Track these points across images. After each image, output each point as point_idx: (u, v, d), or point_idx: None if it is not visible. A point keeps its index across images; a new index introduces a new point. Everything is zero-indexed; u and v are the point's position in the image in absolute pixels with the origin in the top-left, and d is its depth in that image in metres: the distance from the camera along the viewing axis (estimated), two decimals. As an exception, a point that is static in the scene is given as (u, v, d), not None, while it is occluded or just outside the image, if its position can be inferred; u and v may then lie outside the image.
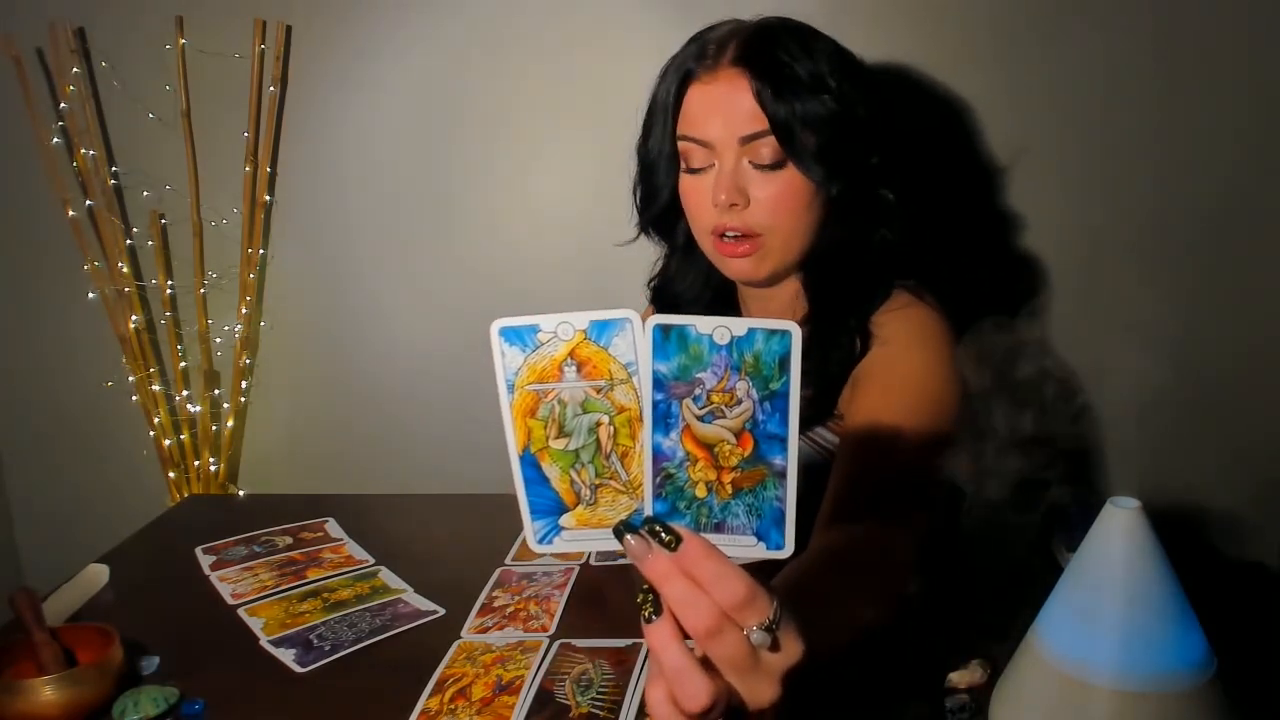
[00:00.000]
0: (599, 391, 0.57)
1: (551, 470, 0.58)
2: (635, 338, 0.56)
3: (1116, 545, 0.66)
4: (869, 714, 0.82)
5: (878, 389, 1.00)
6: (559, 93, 1.71)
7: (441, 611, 1.04)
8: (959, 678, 0.84)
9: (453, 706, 0.86)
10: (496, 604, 1.05)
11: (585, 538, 0.60)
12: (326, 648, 0.98)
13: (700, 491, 0.57)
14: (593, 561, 1.14)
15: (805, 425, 1.06)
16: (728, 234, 1.02)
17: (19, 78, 1.75)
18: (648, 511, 0.58)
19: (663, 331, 0.55)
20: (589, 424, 0.58)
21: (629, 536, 0.51)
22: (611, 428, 0.58)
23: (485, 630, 0.99)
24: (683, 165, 1.05)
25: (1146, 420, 1.66)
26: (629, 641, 0.94)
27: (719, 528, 0.58)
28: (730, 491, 0.57)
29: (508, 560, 1.16)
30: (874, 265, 1.07)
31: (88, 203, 1.81)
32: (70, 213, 1.79)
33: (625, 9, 1.66)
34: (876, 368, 1.02)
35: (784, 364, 0.55)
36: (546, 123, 1.73)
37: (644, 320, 0.55)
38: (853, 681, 0.88)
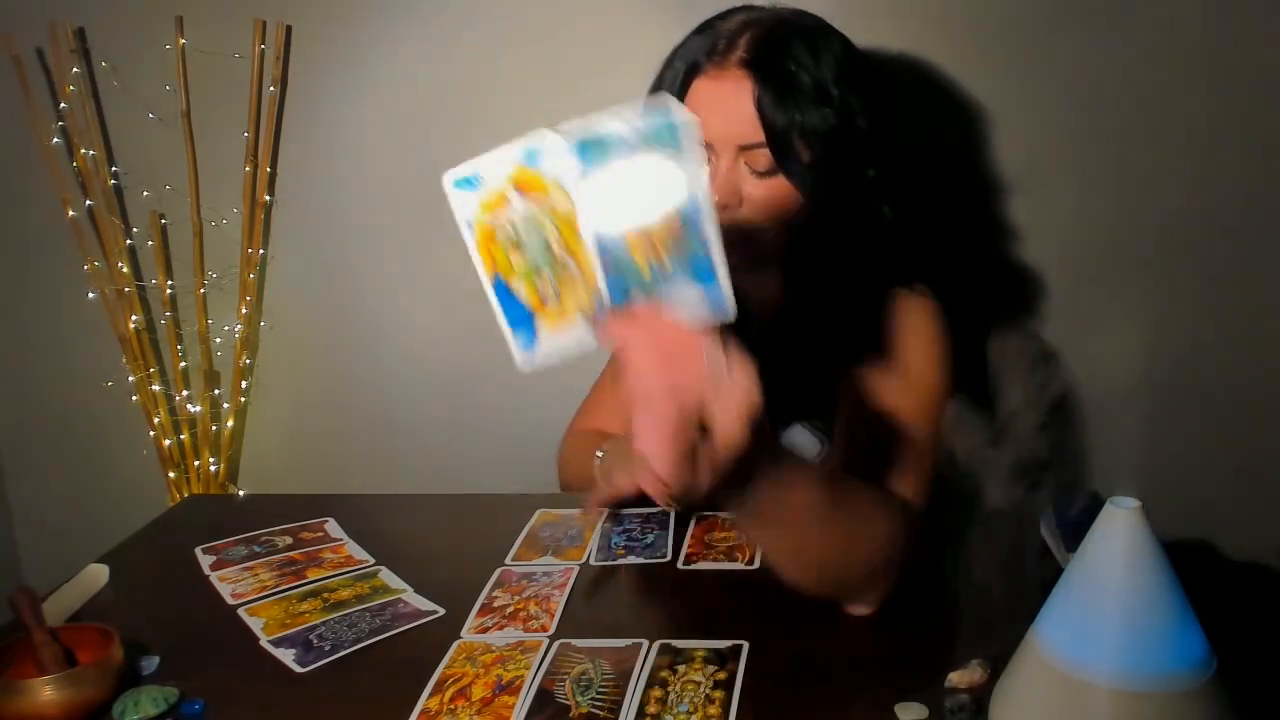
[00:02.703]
0: (541, 206, 0.69)
1: (519, 286, 0.71)
2: (558, 156, 0.69)
3: (1116, 545, 0.66)
4: (869, 714, 0.82)
5: (871, 377, 1.00)
6: (559, 91, 1.71)
7: (441, 611, 1.04)
8: (959, 678, 0.84)
9: (453, 706, 0.86)
10: (496, 604, 1.05)
11: (561, 342, 0.71)
12: (326, 648, 0.98)
13: (646, 273, 0.68)
14: (592, 561, 1.14)
15: (800, 418, 1.07)
16: None
17: (19, 78, 1.75)
18: (604, 294, 0.69)
19: (582, 148, 0.68)
20: (540, 236, 0.70)
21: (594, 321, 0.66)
22: (557, 232, 0.69)
23: (485, 630, 0.99)
24: None
25: (1146, 418, 1.66)
26: (629, 641, 0.94)
27: (667, 299, 0.68)
28: (670, 265, 0.68)
29: (508, 560, 1.15)
30: (863, 269, 1.06)
31: (88, 203, 1.81)
32: (70, 213, 1.79)
33: (627, 8, 1.66)
34: (870, 357, 1.02)
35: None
36: (546, 122, 1.73)
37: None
38: (853, 682, 0.88)
